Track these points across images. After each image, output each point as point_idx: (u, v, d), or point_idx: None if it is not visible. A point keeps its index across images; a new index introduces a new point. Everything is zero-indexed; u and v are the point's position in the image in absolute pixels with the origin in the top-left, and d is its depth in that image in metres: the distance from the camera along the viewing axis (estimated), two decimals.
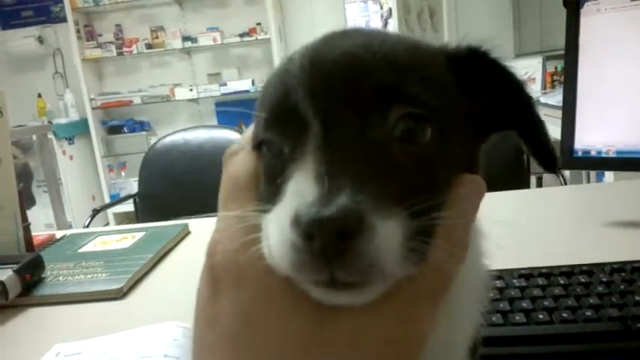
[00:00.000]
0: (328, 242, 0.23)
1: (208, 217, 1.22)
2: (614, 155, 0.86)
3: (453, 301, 0.31)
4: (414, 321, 0.27)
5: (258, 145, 0.31)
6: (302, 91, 0.27)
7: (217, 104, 4.48)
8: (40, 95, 4.47)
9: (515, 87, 0.32)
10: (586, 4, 0.87)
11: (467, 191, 0.30)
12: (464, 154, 0.31)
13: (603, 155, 0.87)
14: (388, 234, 0.24)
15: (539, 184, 2.87)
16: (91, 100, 4.41)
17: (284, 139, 0.29)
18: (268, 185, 0.30)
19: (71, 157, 4.32)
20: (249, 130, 0.33)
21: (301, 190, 0.25)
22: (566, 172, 2.12)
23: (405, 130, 0.27)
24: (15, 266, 0.80)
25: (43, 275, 0.87)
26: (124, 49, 4.43)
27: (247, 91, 4.19)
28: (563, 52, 0.90)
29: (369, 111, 0.27)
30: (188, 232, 1.11)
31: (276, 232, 0.25)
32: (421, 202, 0.25)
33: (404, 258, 0.25)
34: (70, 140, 4.35)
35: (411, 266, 0.25)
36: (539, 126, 0.33)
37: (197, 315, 0.29)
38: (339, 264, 0.23)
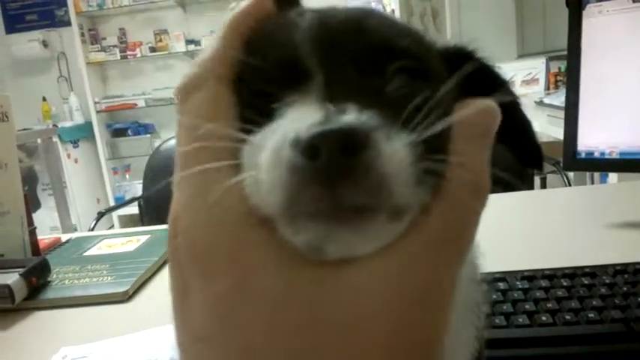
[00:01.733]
0: (334, 156, 0.20)
1: None
2: (618, 157, 0.86)
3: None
4: (437, 265, 0.23)
5: (249, 99, 0.27)
6: (304, 45, 0.26)
7: None
8: (44, 99, 4.50)
9: (499, 85, 0.32)
10: (588, 5, 0.87)
11: (474, 115, 0.26)
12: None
13: (606, 157, 0.87)
14: (397, 149, 0.22)
15: (543, 186, 2.87)
16: (95, 103, 4.43)
17: (280, 83, 0.26)
18: (244, 122, 0.26)
19: (76, 161, 4.33)
20: (210, 52, 0.28)
21: (302, 114, 0.23)
22: (570, 174, 2.12)
23: (399, 84, 0.27)
24: (21, 270, 0.81)
25: (49, 279, 0.88)
26: (128, 53, 4.45)
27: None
28: (566, 52, 0.90)
29: (369, 64, 0.26)
30: None
31: (270, 155, 0.22)
32: (427, 120, 0.24)
33: (416, 179, 0.22)
34: (75, 143, 4.36)
35: (425, 192, 0.23)
36: (525, 123, 0.33)
37: (173, 314, 0.25)
38: (345, 183, 0.21)
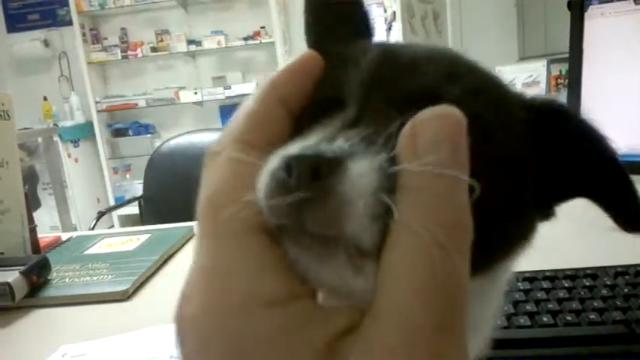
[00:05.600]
0: (302, 178, 0.21)
1: None
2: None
3: None
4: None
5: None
6: (355, 83, 0.26)
7: (222, 107, 4.49)
8: (45, 98, 4.50)
9: (600, 150, 0.29)
10: (590, 7, 0.87)
11: (432, 132, 0.22)
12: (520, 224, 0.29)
13: None
14: (359, 172, 0.21)
15: None
16: (96, 102, 4.43)
17: (316, 116, 0.26)
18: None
19: (76, 160, 4.34)
20: (231, 128, 0.28)
21: (307, 138, 0.24)
22: None
23: None
24: (21, 268, 0.81)
25: (49, 277, 0.88)
26: (129, 53, 4.45)
27: (251, 95, 4.20)
28: (567, 55, 0.90)
29: (400, 103, 0.25)
30: (193, 235, 1.11)
31: (268, 166, 0.23)
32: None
33: (374, 213, 0.21)
34: (76, 143, 4.37)
35: (378, 229, 0.21)
36: (626, 183, 0.29)
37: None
38: (307, 206, 0.21)
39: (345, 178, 0.21)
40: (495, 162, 0.25)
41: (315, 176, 0.21)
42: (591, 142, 0.29)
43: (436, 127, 0.22)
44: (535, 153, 0.27)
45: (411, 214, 0.21)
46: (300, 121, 0.27)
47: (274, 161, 0.23)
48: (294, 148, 0.23)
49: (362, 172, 0.21)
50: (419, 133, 0.22)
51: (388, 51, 0.28)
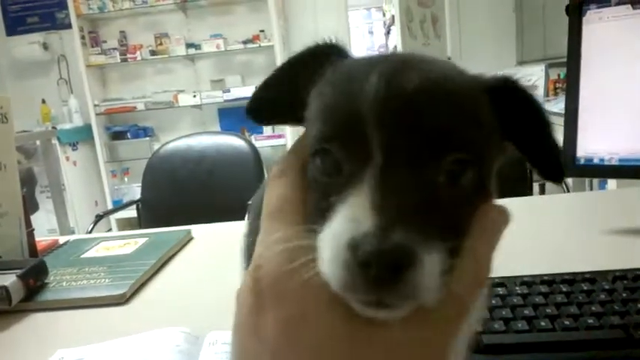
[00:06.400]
0: (383, 272, 0.26)
1: (211, 223, 1.23)
2: (617, 163, 0.86)
3: None
4: (437, 344, 0.29)
5: (312, 153, 0.32)
6: (372, 118, 0.29)
7: (220, 110, 4.49)
8: (44, 101, 4.50)
9: (534, 110, 0.35)
10: (588, 12, 0.87)
11: (493, 222, 0.32)
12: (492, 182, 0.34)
13: (606, 163, 0.87)
14: (432, 267, 0.27)
15: (542, 192, 2.87)
16: (94, 106, 4.43)
17: (343, 156, 0.30)
18: (316, 200, 0.32)
19: (75, 163, 4.33)
20: (295, 150, 0.35)
21: (357, 215, 0.27)
22: (569, 180, 2.12)
23: (452, 172, 0.30)
24: (18, 271, 0.81)
25: (46, 280, 0.87)
26: (128, 56, 4.45)
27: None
28: (565, 59, 0.90)
29: (427, 154, 0.29)
30: (191, 238, 1.11)
31: (330, 250, 0.28)
32: (457, 237, 0.29)
33: (438, 287, 0.27)
34: (74, 146, 4.36)
35: (439, 294, 0.28)
36: (554, 150, 0.35)
37: (239, 321, 0.32)
38: (387, 290, 0.26)
39: (420, 269, 0.26)
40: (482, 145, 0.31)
41: (394, 270, 0.26)
42: (532, 107, 0.35)
43: (498, 219, 0.33)
44: (497, 120, 0.33)
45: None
46: (325, 149, 0.31)
47: (337, 239, 0.27)
48: (357, 232, 0.27)
49: (434, 263, 0.27)
50: (488, 224, 0.32)
51: (392, 74, 0.30)
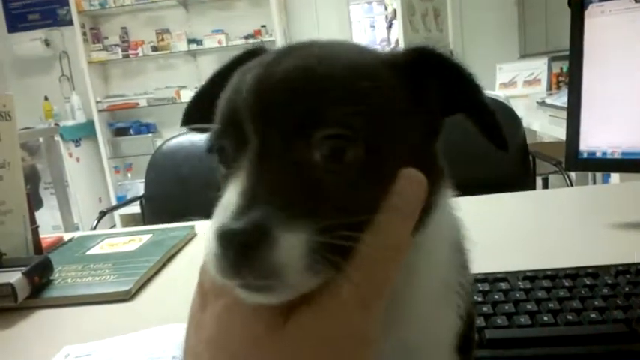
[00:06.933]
0: (236, 252, 0.26)
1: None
2: (620, 157, 0.86)
3: (410, 299, 0.33)
4: (350, 325, 0.29)
5: (211, 151, 0.34)
6: (246, 110, 0.30)
7: None
8: (46, 98, 4.50)
9: (462, 77, 0.34)
10: (590, 5, 0.87)
11: (399, 187, 0.31)
12: (411, 154, 0.33)
13: (608, 157, 0.87)
14: (291, 245, 0.27)
15: (545, 186, 2.86)
16: (97, 102, 4.43)
17: (232, 150, 0.32)
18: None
19: (78, 160, 4.34)
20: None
21: (227, 201, 0.28)
22: (572, 174, 2.12)
23: (329, 150, 0.29)
24: (24, 268, 0.81)
25: (51, 277, 0.88)
26: (130, 52, 4.45)
27: None
28: (568, 53, 0.90)
29: (295, 134, 0.29)
30: (195, 234, 1.11)
31: (207, 240, 0.28)
32: (335, 218, 0.28)
33: (307, 268, 0.27)
34: (77, 142, 4.37)
35: (317, 276, 0.28)
36: (485, 108, 0.35)
37: (188, 322, 0.34)
38: (246, 271, 0.27)
39: (274, 247, 0.26)
40: (389, 126, 0.31)
41: (246, 249, 0.26)
42: (459, 73, 0.34)
43: (404, 185, 0.31)
44: (417, 94, 0.33)
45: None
46: (220, 139, 0.33)
47: (210, 231, 0.28)
48: (221, 219, 0.27)
49: (293, 241, 0.27)
50: (393, 189, 0.30)
51: (265, 68, 0.32)
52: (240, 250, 0.26)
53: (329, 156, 0.29)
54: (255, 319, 0.29)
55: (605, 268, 0.64)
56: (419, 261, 0.34)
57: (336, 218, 0.28)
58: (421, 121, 0.33)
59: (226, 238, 0.27)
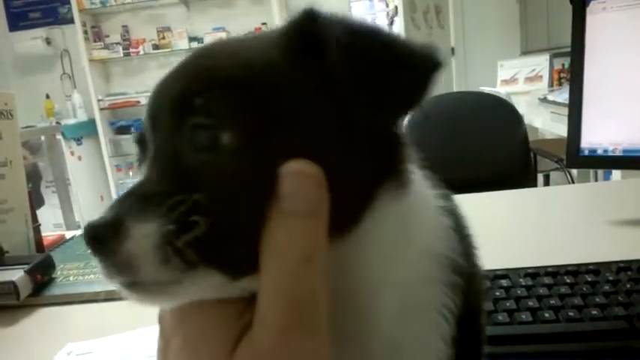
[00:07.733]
0: (92, 247, 0.27)
1: None
2: (621, 154, 0.86)
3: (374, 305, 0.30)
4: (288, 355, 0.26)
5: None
6: (145, 122, 0.32)
7: None
8: (48, 96, 4.51)
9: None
10: (592, 2, 0.86)
11: (284, 188, 0.26)
12: (319, 140, 0.29)
13: (610, 154, 0.87)
14: (139, 235, 0.26)
15: (547, 183, 2.86)
16: (98, 100, 4.44)
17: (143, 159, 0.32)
18: None
19: (79, 158, 4.35)
20: None
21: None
22: (574, 171, 2.11)
23: (200, 139, 0.28)
24: (26, 267, 0.81)
25: (53, 275, 0.88)
26: (131, 50, 4.46)
27: None
28: (570, 49, 0.90)
29: (172, 128, 0.29)
30: None
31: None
32: (204, 208, 0.26)
33: (164, 260, 0.26)
34: (78, 141, 4.38)
35: (177, 270, 0.26)
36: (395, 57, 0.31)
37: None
38: (104, 264, 0.27)
39: (123, 239, 0.26)
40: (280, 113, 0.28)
41: (101, 242, 0.26)
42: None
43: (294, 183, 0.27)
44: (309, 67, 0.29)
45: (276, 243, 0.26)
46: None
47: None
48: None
49: (142, 231, 0.26)
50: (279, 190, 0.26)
51: (170, 70, 0.32)
52: (94, 245, 0.27)
53: (201, 145, 0.28)
54: (205, 340, 0.28)
55: (607, 265, 0.64)
56: (360, 270, 0.30)
57: (205, 209, 0.26)
58: (332, 100, 0.28)
59: (85, 235, 0.27)
